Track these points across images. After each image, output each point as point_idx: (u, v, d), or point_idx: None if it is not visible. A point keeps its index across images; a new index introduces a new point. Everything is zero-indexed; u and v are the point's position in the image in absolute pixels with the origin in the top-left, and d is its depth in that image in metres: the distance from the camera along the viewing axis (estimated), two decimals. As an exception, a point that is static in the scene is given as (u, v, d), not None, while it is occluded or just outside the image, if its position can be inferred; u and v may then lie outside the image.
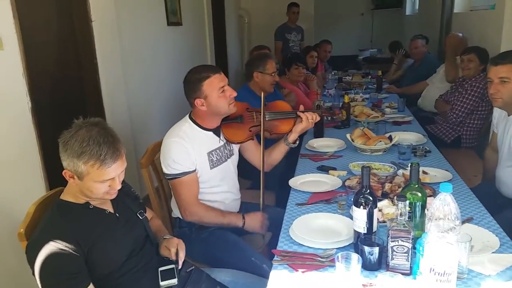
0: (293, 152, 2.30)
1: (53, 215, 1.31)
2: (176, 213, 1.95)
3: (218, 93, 1.80)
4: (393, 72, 5.23)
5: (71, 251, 1.22)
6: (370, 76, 5.16)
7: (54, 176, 2.30)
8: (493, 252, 1.34)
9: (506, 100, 1.94)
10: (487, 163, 2.35)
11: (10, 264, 2.09)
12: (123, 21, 3.22)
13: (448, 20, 4.82)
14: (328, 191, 1.87)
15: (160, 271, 1.40)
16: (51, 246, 1.20)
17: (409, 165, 1.53)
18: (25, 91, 2.21)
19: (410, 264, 1.25)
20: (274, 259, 1.38)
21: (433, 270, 1.12)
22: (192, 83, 1.81)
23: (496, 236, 1.42)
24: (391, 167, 2.08)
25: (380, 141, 2.37)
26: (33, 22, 2.38)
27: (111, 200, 1.40)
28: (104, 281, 1.31)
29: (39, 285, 1.22)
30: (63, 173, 1.30)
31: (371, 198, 1.33)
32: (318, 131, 2.75)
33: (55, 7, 2.69)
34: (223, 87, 1.81)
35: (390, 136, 2.44)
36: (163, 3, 4.00)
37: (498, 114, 2.17)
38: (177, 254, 1.44)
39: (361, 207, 1.33)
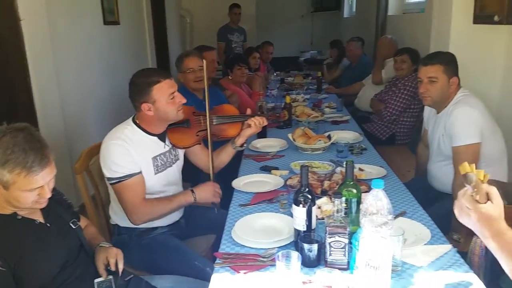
0: (236, 154, 2.29)
1: None
2: (114, 220, 1.87)
3: (167, 99, 1.75)
4: (328, 69, 5.42)
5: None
6: (310, 77, 5.28)
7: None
8: (425, 244, 1.41)
9: (434, 99, 2.06)
10: (420, 158, 2.48)
11: None
12: (56, 20, 3.06)
13: (383, 23, 5.05)
14: (271, 190, 1.88)
15: (96, 282, 1.33)
16: None
17: (344, 163, 1.57)
18: None
19: (348, 259, 1.28)
20: (216, 262, 1.37)
21: (369, 264, 1.15)
22: (140, 86, 1.74)
23: (428, 228, 1.50)
24: (329, 165, 2.13)
25: (320, 140, 2.43)
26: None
27: (41, 209, 1.32)
28: None
29: None
30: None
31: (309, 197, 1.35)
32: (262, 131, 2.74)
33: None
34: (173, 93, 1.76)
35: (329, 135, 2.51)
36: (99, 1, 3.84)
37: (428, 112, 2.30)
38: (116, 265, 1.38)
39: (301, 205, 1.35)
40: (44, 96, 2.87)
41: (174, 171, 1.95)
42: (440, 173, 2.16)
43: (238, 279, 1.27)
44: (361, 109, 4.13)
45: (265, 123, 2.11)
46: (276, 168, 2.16)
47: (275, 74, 5.32)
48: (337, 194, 1.29)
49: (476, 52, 2.68)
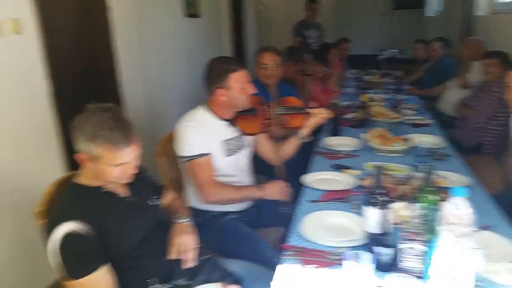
0: (304, 150, 2.28)
1: (69, 197, 1.33)
2: (191, 202, 1.96)
3: (241, 88, 1.84)
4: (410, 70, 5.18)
5: (87, 231, 1.23)
6: (391, 77, 5.07)
7: (72, 157, 2.35)
8: (511, 262, 1.29)
9: None
10: (510, 169, 2.28)
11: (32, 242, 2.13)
12: (141, 10, 3.22)
13: (468, 23, 4.72)
14: (343, 190, 1.84)
15: None
16: (68, 226, 1.21)
17: (427, 166, 1.49)
18: (43, 75, 2.22)
19: (421, 267, 1.21)
20: (283, 253, 1.37)
21: (446, 275, 1.09)
22: (218, 72, 1.84)
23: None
24: (407, 169, 2.04)
25: (398, 142, 2.33)
26: (50, 6, 2.38)
27: (127, 184, 1.40)
28: (118, 262, 1.31)
29: (53, 264, 1.23)
30: (75, 156, 1.31)
31: (383, 199, 1.30)
32: (335, 129, 2.71)
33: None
34: (246, 82, 1.85)
35: (406, 138, 2.39)
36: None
37: (517, 119, 2.11)
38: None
39: (373, 206, 1.30)
40: (130, 83, 3.05)
41: (243, 157, 2.03)
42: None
43: (304, 273, 1.27)
44: (444, 113, 3.89)
45: (329, 115, 2.12)
46: (348, 168, 2.11)
47: (350, 71, 5.19)
48: (415, 200, 1.22)
49: None
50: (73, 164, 2.26)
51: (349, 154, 2.34)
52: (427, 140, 2.54)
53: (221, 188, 1.88)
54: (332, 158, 2.29)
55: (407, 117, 3.14)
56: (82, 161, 1.31)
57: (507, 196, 2.08)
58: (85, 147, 1.26)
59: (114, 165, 1.29)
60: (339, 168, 2.12)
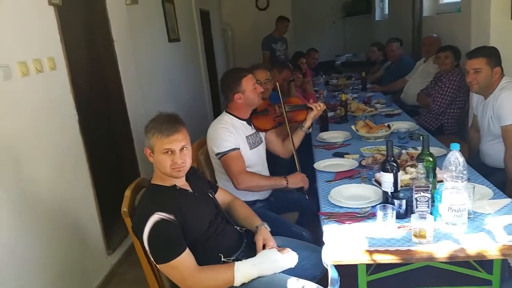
0: (305, 145, 2.72)
1: (150, 195, 1.65)
2: None
3: (252, 88, 2.27)
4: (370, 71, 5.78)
5: (172, 220, 1.54)
6: (353, 78, 5.63)
7: (97, 173, 2.69)
8: (489, 199, 1.74)
9: (481, 86, 2.39)
10: (472, 141, 2.79)
11: (70, 252, 2.38)
12: (135, 41, 3.53)
13: (418, 24, 5.35)
14: (349, 170, 2.25)
15: None
16: (157, 217, 1.53)
17: (421, 137, 1.90)
18: (73, 105, 2.51)
19: (430, 211, 1.63)
20: (322, 218, 1.74)
21: (451, 209, 1.51)
22: (232, 80, 2.27)
23: (489, 188, 1.84)
24: (396, 148, 2.48)
25: (381, 129, 2.79)
26: (71, 44, 2.68)
27: (189, 182, 1.74)
28: (194, 243, 1.62)
29: (148, 250, 1.55)
30: (144, 150, 1.66)
31: (395, 164, 1.72)
32: (324, 126, 3.15)
33: (83, 31, 3.00)
34: (254, 83, 2.28)
35: (388, 125, 2.86)
36: (164, 21, 4.32)
37: (476, 99, 2.63)
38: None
39: (388, 171, 1.72)
40: (134, 107, 3.34)
41: (262, 150, 2.46)
42: (492, 150, 2.47)
43: (345, 228, 1.65)
44: (407, 103, 4.44)
45: (324, 106, 2.61)
46: (347, 153, 2.54)
47: (324, 76, 5.76)
48: (420, 160, 1.65)
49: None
50: (97, 179, 2.60)
51: (343, 144, 2.77)
52: (403, 125, 3.02)
53: (253, 176, 2.25)
54: (330, 148, 2.71)
55: (380, 110, 3.64)
56: (147, 155, 1.65)
57: (473, 162, 2.56)
58: (147, 142, 1.62)
59: (164, 152, 1.59)
60: (339, 155, 2.54)
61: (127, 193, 1.70)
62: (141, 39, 3.72)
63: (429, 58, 4.37)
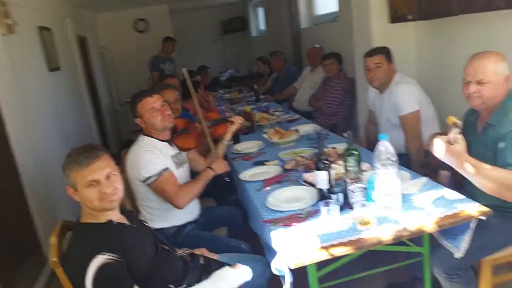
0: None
1: (84, 236, 1.46)
2: (153, 223, 2.12)
3: (150, 113, 2.12)
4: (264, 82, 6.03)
5: (116, 259, 1.39)
6: (246, 91, 5.80)
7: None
8: (410, 181, 1.93)
9: (381, 80, 2.66)
10: (369, 135, 3.06)
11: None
12: (15, 77, 3.14)
13: (297, 36, 5.75)
14: (275, 175, 2.29)
15: None
16: (101, 259, 1.36)
17: (347, 133, 1.99)
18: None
19: (365, 199, 1.74)
20: (268, 225, 1.74)
21: (384, 194, 1.63)
22: (131, 105, 2.17)
23: (406, 171, 2.04)
24: (309, 149, 2.62)
25: (291, 134, 2.91)
26: None
27: (123, 214, 1.59)
28: (141, 280, 1.48)
29: None
30: (67, 189, 1.48)
31: (328, 162, 1.80)
32: (235, 138, 3.16)
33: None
34: (154, 107, 2.12)
35: (296, 129, 3.00)
36: (43, 50, 3.92)
37: (372, 94, 2.90)
38: None
39: (322, 169, 1.79)
40: (18, 142, 2.96)
41: (186, 171, 2.35)
42: (392, 138, 2.72)
43: (293, 231, 1.67)
44: (300, 110, 4.71)
45: (242, 120, 2.67)
46: (267, 161, 2.58)
47: (221, 91, 5.89)
48: (350, 155, 1.75)
49: (393, 45, 3.29)
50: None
51: (260, 152, 2.82)
52: (307, 128, 3.20)
53: (187, 188, 2.15)
54: (248, 159, 2.73)
55: (281, 117, 3.80)
56: (71, 194, 1.47)
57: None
58: (68, 179, 1.45)
59: (88, 186, 1.43)
60: (260, 163, 2.58)
61: (53, 240, 1.49)
62: (20, 71, 3.33)
63: (315, 68, 4.69)
